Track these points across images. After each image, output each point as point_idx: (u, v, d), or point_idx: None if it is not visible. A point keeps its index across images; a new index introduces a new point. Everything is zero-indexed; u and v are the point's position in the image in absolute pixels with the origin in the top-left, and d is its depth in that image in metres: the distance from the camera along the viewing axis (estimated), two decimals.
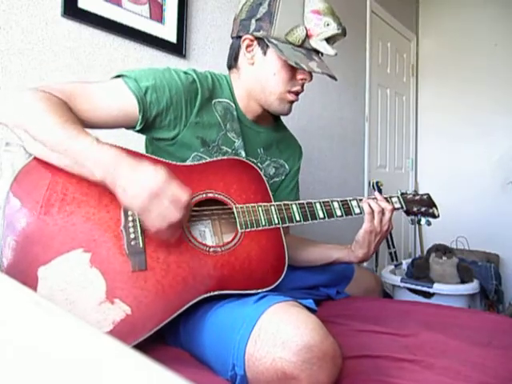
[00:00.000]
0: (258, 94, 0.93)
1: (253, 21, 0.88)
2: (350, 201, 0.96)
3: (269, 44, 0.87)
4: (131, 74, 0.82)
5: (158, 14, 1.33)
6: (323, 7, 0.87)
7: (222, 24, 1.57)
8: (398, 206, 1.03)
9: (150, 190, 0.64)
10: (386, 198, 1.00)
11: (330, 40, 0.88)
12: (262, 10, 0.87)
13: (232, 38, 0.96)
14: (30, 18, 1.05)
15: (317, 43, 0.87)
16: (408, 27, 3.09)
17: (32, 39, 1.06)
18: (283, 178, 1.07)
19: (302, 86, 0.94)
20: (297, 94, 0.94)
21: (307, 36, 0.86)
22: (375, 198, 0.97)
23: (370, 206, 0.93)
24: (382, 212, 0.94)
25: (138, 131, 0.86)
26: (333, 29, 0.86)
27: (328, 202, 0.94)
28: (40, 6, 1.07)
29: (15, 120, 0.69)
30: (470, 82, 2.92)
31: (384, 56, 2.82)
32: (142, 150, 0.91)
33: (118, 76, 0.83)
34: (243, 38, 0.90)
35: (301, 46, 0.87)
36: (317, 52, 0.89)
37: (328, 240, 1.10)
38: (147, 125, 0.84)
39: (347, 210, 0.95)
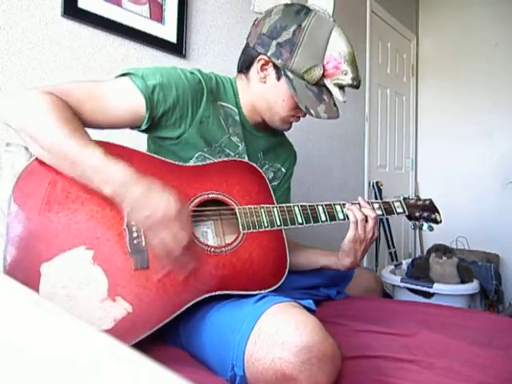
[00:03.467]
0: (264, 110, 0.94)
1: (274, 43, 0.87)
2: (353, 204, 0.96)
3: (284, 77, 0.88)
4: (138, 71, 0.80)
5: (157, 14, 1.33)
6: (346, 52, 0.87)
7: (222, 24, 1.57)
8: (400, 210, 1.03)
9: (158, 219, 0.67)
10: (369, 203, 0.98)
11: (342, 87, 0.90)
12: (286, 35, 0.86)
13: (248, 43, 0.93)
14: (30, 18, 1.05)
15: (330, 85, 0.89)
16: (408, 27, 3.09)
17: (32, 39, 1.06)
18: (279, 181, 1.07)
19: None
20: (299, 117, 0.96)
21: (323, 75, 0.87)
22: (358, 204, 0.96)
23: (354, 214, 0.93)
24: (366, 220, 0.93)
25: (143, 131, 0.85)
26: (348, 80, 0.88)
27: (330, 204, 0.94)
28: (40, 6, 1.07)
29: (21, 125, 0.68)
30: (470, 82, 2.91)
31: (384, 56, 2.82)
32: (144, 149, 0.91)
33: (124, 74, 0.81)
34: (260, 57, 0.89)
35: (315, 84, 0.88)
36: (328, 89, 0.90)
37: (325, 241, 1.09)
38: (153, 124, 0.83)
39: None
